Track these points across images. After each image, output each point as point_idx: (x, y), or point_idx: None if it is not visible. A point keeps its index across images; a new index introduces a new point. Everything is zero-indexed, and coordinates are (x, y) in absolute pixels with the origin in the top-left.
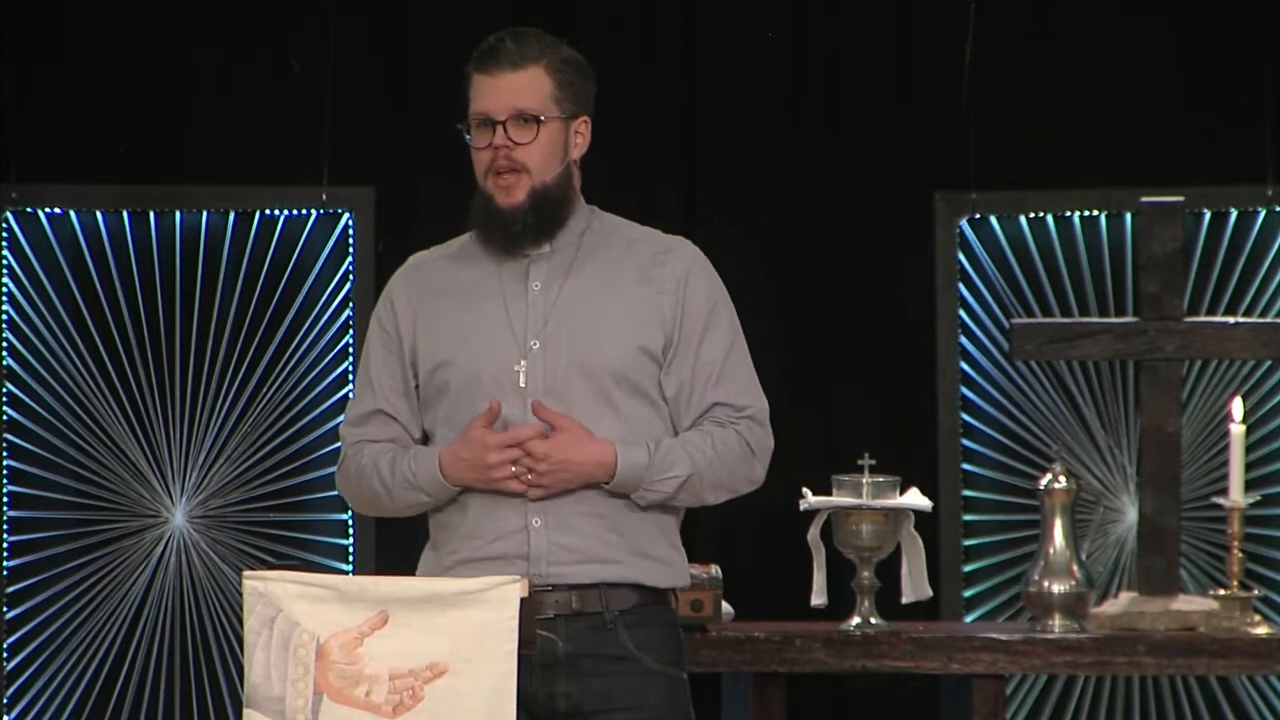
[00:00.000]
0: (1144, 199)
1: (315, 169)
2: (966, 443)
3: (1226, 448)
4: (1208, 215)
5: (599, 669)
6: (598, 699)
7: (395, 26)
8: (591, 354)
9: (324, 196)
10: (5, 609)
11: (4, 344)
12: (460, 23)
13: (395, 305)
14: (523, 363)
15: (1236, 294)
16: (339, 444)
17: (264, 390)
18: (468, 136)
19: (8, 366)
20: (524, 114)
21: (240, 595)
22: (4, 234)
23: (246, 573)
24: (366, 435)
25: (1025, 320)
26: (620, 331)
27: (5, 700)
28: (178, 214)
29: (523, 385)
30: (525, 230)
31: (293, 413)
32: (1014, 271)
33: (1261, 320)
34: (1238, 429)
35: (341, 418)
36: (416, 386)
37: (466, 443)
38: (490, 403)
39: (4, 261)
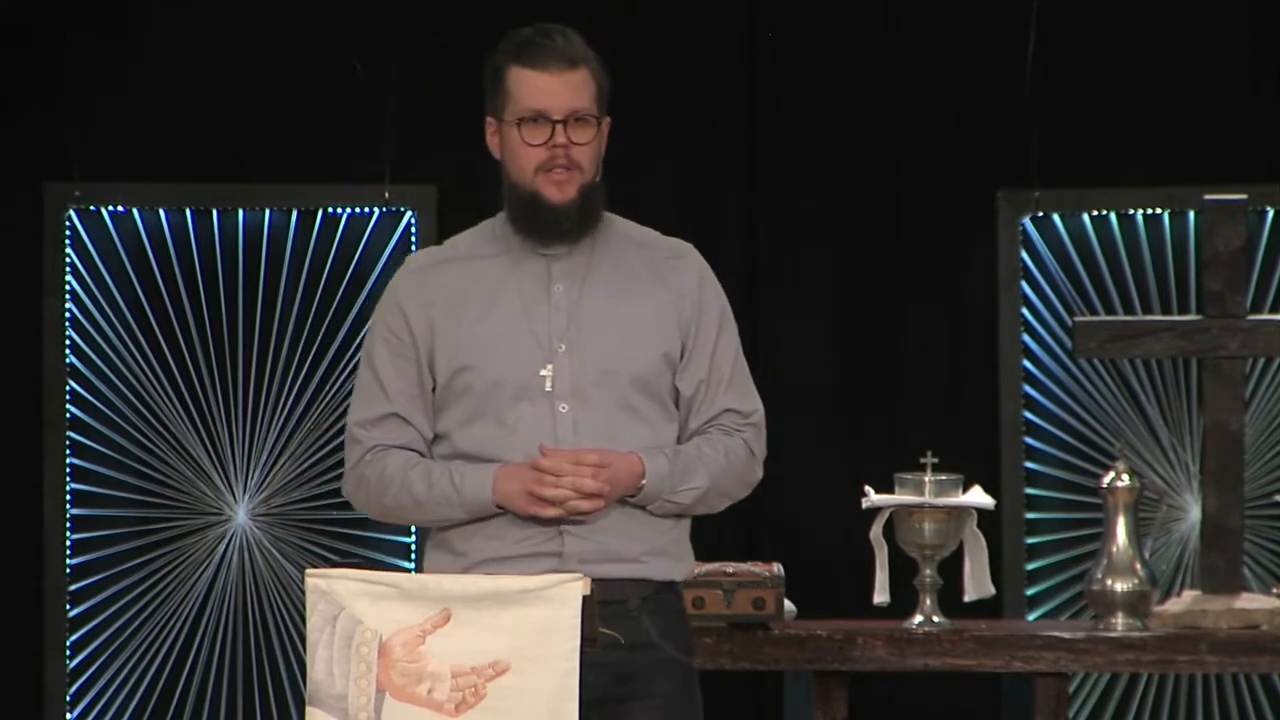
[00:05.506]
0: (1207, 197)
1: (378, 167)
2: (1029, 440)
3: None
4: (1270, 213)
5: (620, 657)
6: (618, 684)
7: (458, 24)
8: (618, 359)
9: (387, 195)
10: (69, 606)
11: (67, 342)
12: (523, 20)
13: (405, 310)
14: (549, 366)
15: None
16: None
17: (326, 388)
18: (516, 129)
19: (71, 364)
20: (582, 114)
21: (302, 593)
22: (67, 232)
23: (309, 570)
24: (383, 439)
25: (1088, 318)
26: (644, 337)
27: (69, 698)
28: (240, 212)
29: (549, 389)
30: (573, 227)
31: None
32: (1077, 269)
33: None
34: None
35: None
36: (433, 389)
37: (521, 473)
38: (541, 447)
39: (67, 259)
